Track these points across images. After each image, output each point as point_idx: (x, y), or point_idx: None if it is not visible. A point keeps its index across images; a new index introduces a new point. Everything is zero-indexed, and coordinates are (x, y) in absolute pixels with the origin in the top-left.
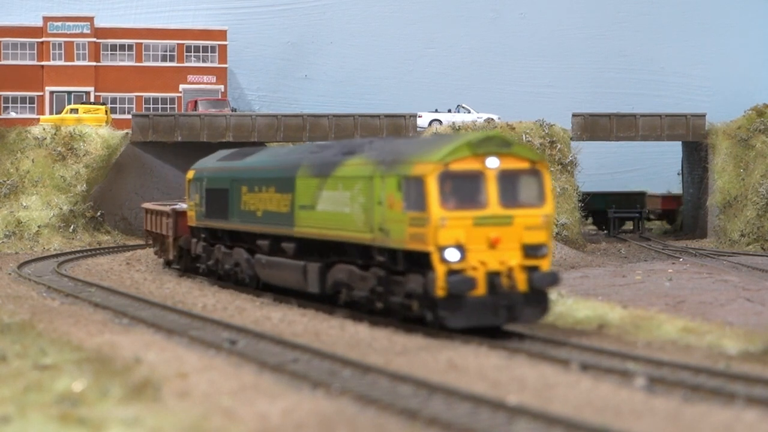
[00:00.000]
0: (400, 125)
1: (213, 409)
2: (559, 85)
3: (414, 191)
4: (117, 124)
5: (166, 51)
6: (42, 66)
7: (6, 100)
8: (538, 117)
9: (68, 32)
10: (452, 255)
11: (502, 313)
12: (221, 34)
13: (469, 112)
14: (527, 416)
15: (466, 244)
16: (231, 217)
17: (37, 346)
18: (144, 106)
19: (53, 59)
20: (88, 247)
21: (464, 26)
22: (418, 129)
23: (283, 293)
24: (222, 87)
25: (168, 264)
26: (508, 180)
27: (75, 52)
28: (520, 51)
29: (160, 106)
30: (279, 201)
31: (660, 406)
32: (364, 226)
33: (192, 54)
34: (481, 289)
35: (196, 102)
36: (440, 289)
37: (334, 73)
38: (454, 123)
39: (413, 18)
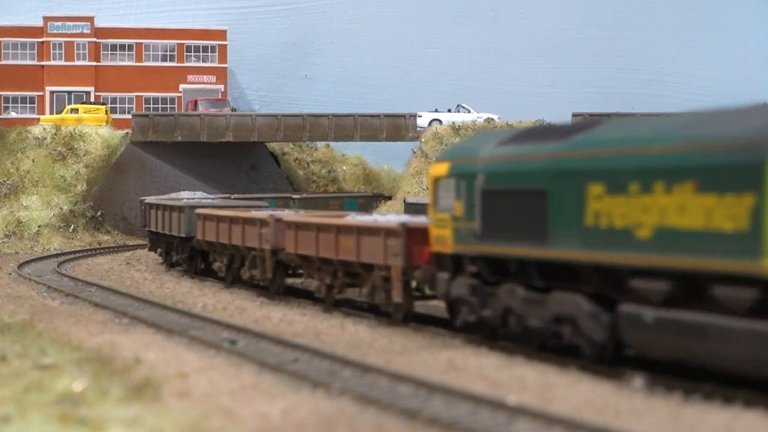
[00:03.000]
0: (400, 125)
1: (213, 409)
2: (559, 85)
3: None
4: (117, 124)
5: (166, 51)
6: (42, 66)
7: (6, 100)
8: (538, 117)
9: (68, 32)
10: None
11: None
12: (221, 34)
13: (469, 112)
14: (527, 416)
15: None
16: (555, 238)
17: (37, 346)
18: (144, 106)
19: (53, 59)
20: (88, 247)
21: (464, 26)
22: (418, 129)
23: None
24: (222, 87)
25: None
26: None
27: (75, 52)
28: (520, 51)
29: (160, 106)
30: (711, 209)
31: (660, 406)
32: None
33: (192, 54)
34: None
35: (196, 102)
36: None
37: (334, 73)
38: (454, 123)
39: (413, 18)
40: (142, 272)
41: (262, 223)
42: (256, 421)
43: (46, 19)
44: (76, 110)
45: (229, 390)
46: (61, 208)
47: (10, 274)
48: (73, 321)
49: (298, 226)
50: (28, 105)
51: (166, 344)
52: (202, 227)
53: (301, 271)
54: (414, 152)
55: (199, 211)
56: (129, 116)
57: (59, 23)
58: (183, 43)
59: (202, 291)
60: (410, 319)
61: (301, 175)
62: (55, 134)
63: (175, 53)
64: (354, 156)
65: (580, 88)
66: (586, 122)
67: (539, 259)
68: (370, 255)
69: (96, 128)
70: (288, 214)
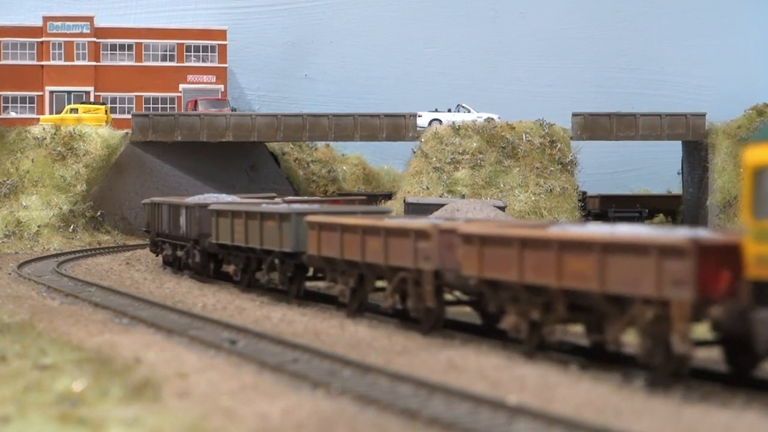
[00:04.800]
0: (400, 125)
1: (213, 409)
2: (559, 85)
3: None
4: (117, 124)
5: (166, 51)
6: (42, 66)
7: (6, 99)
8: (538, 117)
9: (68, 32)
10: None
11: None
12: (221, 34)
13: (469, 111)
14: (527, 416)
15: None
16: None
17: (37, 346)
18: (144, 105)
19: (53, 59)
20: (88, 247)
21: (464, 26)
22: (418, 129)
23: None
24: (222, 87)
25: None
26: None
27: (75, 51)
28: (520, 51)
29: (160, 105)
30: None
31: (660, 406)
32: None
33: (192, 54)
34: None
35: (196, 102)
36: None
37: (334, 73)
38: (454, 123)
39: (413, 18)
40: (141, 272)
41: (419, 234)
42: (256, 421)
43: (46, 19)
44: (75, 110)
45: (229, 390)
46: (61, 208)
47: (10, 274)
48: (73, 321)
49: (485, 241)
50: (27, 105)
51: (166, 344)
52: (317, 240)
53: (465, 298)
54: (414, 152)
55: (312, 218)
56: (129, 116)
57: (59, 23)
58: (183, 43)
59: (201, 291)
60: (683, 374)
61: (301, 175)
62: (55, 134)
63: (175, 53)
64: (354, 156)
65: (580, 87)
66: None
67: None
68: (625, 283)
69: (96, 128)
70: (463, 224)
